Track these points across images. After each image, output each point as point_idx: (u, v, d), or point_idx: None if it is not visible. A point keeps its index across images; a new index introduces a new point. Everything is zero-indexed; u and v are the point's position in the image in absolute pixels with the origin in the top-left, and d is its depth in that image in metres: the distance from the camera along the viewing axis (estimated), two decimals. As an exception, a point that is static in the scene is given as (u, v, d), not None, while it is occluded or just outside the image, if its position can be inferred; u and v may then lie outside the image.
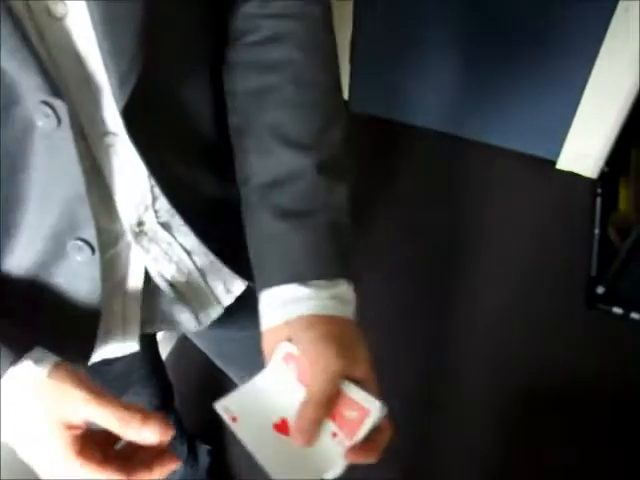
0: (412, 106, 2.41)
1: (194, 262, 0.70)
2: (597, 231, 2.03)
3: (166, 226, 0.65)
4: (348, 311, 0.57)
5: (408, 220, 2.12)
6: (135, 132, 0.53)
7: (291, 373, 0.50)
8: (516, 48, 2.08)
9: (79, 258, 0.57)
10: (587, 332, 1.84)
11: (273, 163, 0.58)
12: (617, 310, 1.85)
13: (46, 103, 0.46)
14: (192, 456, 1.38)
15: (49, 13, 0.45)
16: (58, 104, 0.47)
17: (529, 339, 1.82)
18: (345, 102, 2.48)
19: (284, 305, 0.55)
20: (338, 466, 0.49)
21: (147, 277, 0.67)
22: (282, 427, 0.50)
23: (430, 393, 1.73)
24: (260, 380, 0.51)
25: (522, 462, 1.60)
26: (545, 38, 2.02)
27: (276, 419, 0.50)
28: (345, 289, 0.57)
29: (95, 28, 0.47)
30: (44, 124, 0.48)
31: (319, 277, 0.55)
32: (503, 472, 1.59)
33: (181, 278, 0.69)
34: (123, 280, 0.65)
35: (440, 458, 1.61)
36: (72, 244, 0.57)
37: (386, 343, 1.82)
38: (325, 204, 0.57)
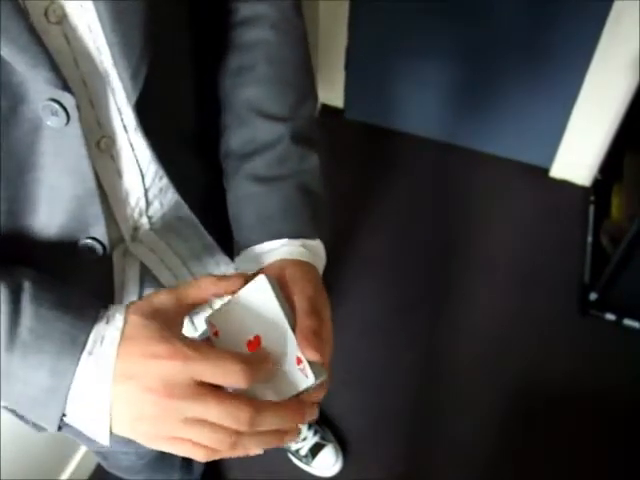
0: (407, 114, 2.42)
1: (188, 268, 0.71)
2: (590, 238, 2.04)
3: (160, 232, 0.66)
4: (317, 263, 0.59)
5: (403, 226, 2.13)
6: (146, 126, 0.54)
7: (272, 293, 0.50)
8: (510, 57, 2.10)
9: (90, 258, 0.57)
10: (580, 338, 1.85)
11: (250, 134, 0.61)
12: (610, 316, 1.87)
13: (55, 100, 0.46)
14: (186, 461, 1.38)
15: (46, 16, 0.45)
16: (67, 99, 0.46)
17: (523, 345, 1.83)
18: (340, 110, 2.50)
19: (259, 257, 0.57)
20: (308, 382, 0.49)
21: (142, 282, 0.67)
22: (253, 345, 0.50)
23: (427, 394, 1.73)
24: (244, 295, 0.50)
25: (518, 462, 1.61)
26: (538, 48, 2.03)
27: (250, 336, 0.50)
28: (317, 244, 0.60)
29: (103, 25, 0.47)
30: (52, 123, 0.47)
31: (293, 235, 0.58)
32: (501, 472, 1.60)
33: (175, 284, 0.70)
34: (120, 286, 0.65)
35: (438, 459, 1.62)
36: (83, 244, 0.56)
37: (384, 345, 1.83)
38: (298, 170, 0.61)
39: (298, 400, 0.49)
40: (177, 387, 0.43)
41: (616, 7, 1.82)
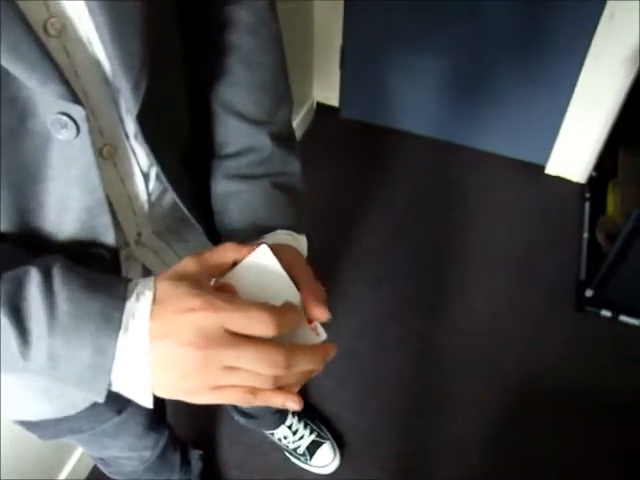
0: (403, 112, 2.43)
1: None
2: (586, 235, 2.05)
3: (161, 234, 0.67)
4: (303, 251, 0.61)
5: (398, 224, 2.14)
6: (147, 134, 0.54)
7: (276, 261, 0.52)
8: (505, 56, 2.11)
9: (98, 266, 0.56)
10: (576, 334, 1.85)
11: (230, 136, 0.64)
12: (606, 313, 1.87)
13: (64, 114, 0.46)
14: (185, 462, 1.38)
15: (45, 30, 0.45)
16: (78, 111, 0.46)
17: (519, 342, 1.84)
18: (336, 108, 2.50)
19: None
20: (320, 339, 0.52)
21: None
22: None
23: (424, 392, 1.74)
24: (247, 264, 0.52)
25: (516, 461, 1.61)
26: (533, 46, 2.04)
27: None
28: (302, 238, 0.62)
29: (102, 37, 0.47)
30: (62, 136, 0.47)
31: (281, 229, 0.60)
32: (498, 471, 1.60)
33: None
34: None
35: (434, 456, 1.62)
36: (92, 253, 0.56)
37: (381, 343, 1.83)
38: (280, 170, 0.63)
39: (319, 344, 0.52)
40: (212, 336, 0.44)
41: (610, 5, 1.83)
